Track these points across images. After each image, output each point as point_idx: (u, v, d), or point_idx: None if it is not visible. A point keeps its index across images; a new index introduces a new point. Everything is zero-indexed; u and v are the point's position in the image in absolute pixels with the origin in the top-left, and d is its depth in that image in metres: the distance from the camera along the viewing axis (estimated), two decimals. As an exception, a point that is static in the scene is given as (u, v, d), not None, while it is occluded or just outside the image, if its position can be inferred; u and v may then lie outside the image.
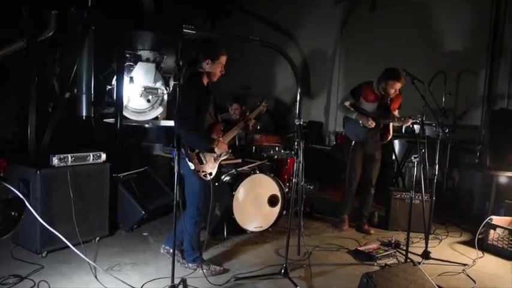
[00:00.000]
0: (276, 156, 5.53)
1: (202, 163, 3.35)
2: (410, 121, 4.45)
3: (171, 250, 3.23)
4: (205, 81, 3.41)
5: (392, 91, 4.52)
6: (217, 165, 3.49)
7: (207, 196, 3.40)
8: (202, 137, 3.32)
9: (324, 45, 8.18)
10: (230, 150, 3.63)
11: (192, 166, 3.30)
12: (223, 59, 3.40)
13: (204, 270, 3.43)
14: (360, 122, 4.59)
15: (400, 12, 6.78)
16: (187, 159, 3.31)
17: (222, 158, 3.53)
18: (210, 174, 3.40)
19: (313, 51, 8.45)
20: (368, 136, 4.67)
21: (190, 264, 3.52)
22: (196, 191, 3.40)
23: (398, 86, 4.50)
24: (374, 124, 4.55)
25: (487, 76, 5.76)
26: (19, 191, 3.42)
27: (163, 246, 3.74)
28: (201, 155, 3.35)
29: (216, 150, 3.38)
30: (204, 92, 3.36)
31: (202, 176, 3.34)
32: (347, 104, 4.72)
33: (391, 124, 4.67)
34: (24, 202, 3.34)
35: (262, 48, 8.11)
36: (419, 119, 4.05)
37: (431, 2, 6.38)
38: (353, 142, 4.71)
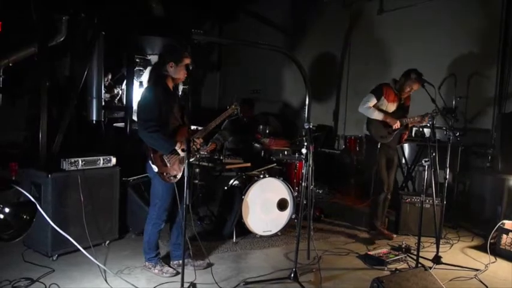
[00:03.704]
0: (285, 160, 5.52)
1: (165, 165, 3.31)
2: (428, 118, 4.35)
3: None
4: (170, 84, 3.40)
5: (407, 89, 4.51)
6: (182, 168, 3.40)
7: (170, 199, 3.36)
8: (163, 139, 3.25)
9: (333, 48, 8.17)
10: (197, 154, 3.59)
11: (155, 168, 3.29)
12: (186, 61, 3.37)
13: (157, 271, 3.46)
14: (389, 122, 4.53)
15: (408, 16, 6.75)
16: (150, 162, 3.31)
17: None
18: (175, 176, 3.33)
19: (321, 54, 8.45)
20: (392, 137, 4.60)
21: (146, 263, 3.54)
22: (158, 194, 3.39)
23: (416, 87, 4.47)
24: (399, 124, 4.52)
25: (497, 79, 5.72)
26: (31, 194, 3.46)
27: (171, 262, 3.69)
28: (164, 157, 3.30)
29: (179, 151, 3.31)
30: (168, 94, 3.34)
31: (166, 178, 3.30)
32: (371, 105, 4.56)
33: (409, 125, 4.65)
34: (36, 205, 3.37)
35: (270, 53, 8.13)
36: (430, 122, 4.02)
37: (440, 4, 6.34)
38: (379, 145, 4.59)
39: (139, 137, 3.32)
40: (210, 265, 3.64)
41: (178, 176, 3.36)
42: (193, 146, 3.39)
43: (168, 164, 3.31)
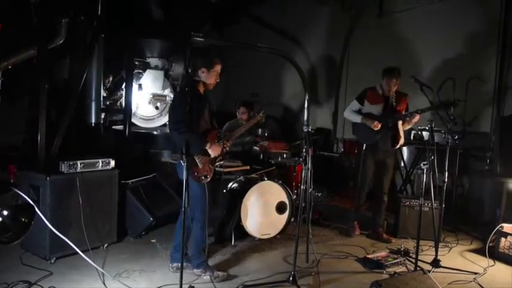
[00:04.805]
0: (284, 163, 5.52)
1: (197, 166, 3.38)
2: (417, 117, 4.48)
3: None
4: (201, 89, 3.51)
5: (388, 87, 4.60)
6: (213, 169, 3.51)
7: (206, 198, 3.43)
8: (195, 139, 3.34)
9: (332, 51, 8.19)
10: (227, 156, 3.69)
11: None
12: (218, 68, 3.50)
13: (208, 276, 3.44)
14: (367, 124, 4.62)
15: (407, 19, 6.77)
16: (182, 162, 3.33)
17: (218, 162, 3.60)
18: (206, 177, 3.42)
19: (321, 58, 8.46)
20: (378, 139, 4.64)
21: (195, 270, 3.52)
22: (198, 194, 3.42)
23: (393, 82, 4.57)
24: (379, 125, 4.56)
25: (496, 82, 5.72)
26: (29, 197, 3.45)
27: (170, 264, 3.67)
28: (196, 158, 3.37)
29: (209, 151, 3.41)
30: (199, 99, 3.43)
31: (197, 178, 3.37)
32: (354, 109, 4.81)
33: (400, 126, 4.65)
34: (34, 208, 3.37)
35: (270, 55, 8.15)
36: (429, 125, 4.03)
37: (439, 7, 6.36)
38: (364, 146, 4.70)
39: (173, 139, 3.45)
40: (230, 276, 3.56)
41: (209, 177, 3.45)
42: (224, 149, 3.55)
43: (200, 165, 3.38)
